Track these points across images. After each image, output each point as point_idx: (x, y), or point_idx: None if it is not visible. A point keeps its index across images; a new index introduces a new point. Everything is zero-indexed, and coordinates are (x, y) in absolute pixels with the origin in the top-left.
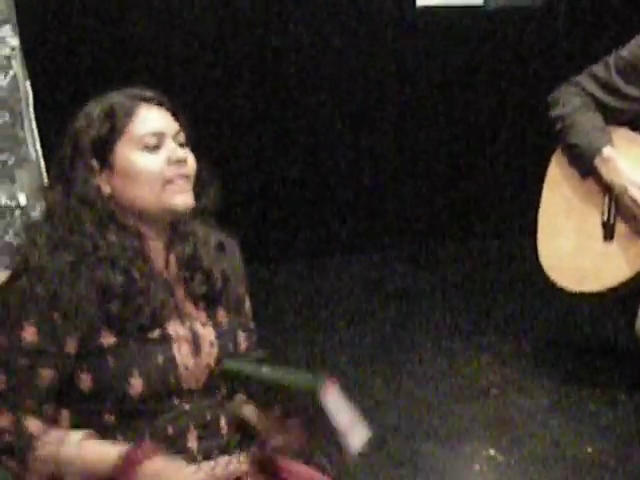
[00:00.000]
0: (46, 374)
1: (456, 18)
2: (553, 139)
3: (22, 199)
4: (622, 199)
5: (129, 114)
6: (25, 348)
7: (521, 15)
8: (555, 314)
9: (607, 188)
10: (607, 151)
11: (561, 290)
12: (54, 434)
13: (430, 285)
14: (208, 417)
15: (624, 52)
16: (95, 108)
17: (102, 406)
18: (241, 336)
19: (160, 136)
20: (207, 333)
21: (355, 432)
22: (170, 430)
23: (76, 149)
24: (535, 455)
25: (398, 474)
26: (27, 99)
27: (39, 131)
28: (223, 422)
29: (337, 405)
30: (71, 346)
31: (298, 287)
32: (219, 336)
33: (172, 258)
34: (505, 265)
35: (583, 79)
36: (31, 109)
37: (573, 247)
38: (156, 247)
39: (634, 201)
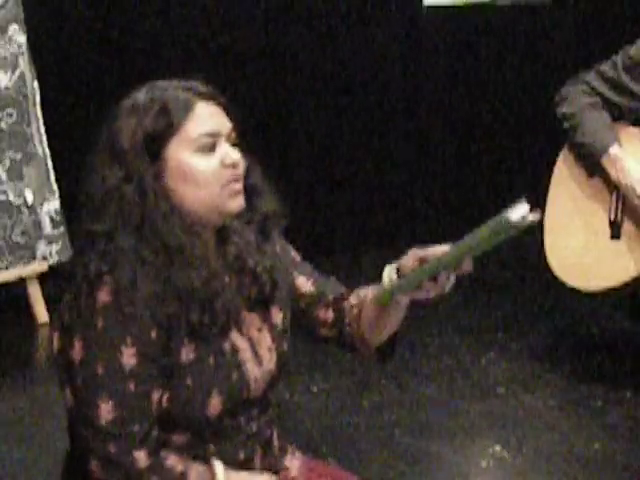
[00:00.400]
0: (155, 396)
1: (464, 16)
2: (561, 137)
3: (29, 196)
4: (630, 198)
5: (185, 111)
6: (130, 373)
7: (530, 12)
8: (562, 312)
9: (614, 187)
10: (614, 150)
11: (569, 288)
12: (184, 468)
13: None
14: (267, 434)
15: (631, 50)
16: (148, 100)
17: (174, 426)
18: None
19: (215, 137)
20: (263, 338)
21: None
22: (241, 455)
23: (133, 141)
24: (542, 452)
25: (405, 471)
26: (34, 97)
27: (46, 128)
28: (275, 436)
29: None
30: (184, 354)
31: None
32: (274, 339)
33: (220, 257)
34: (512, 263)
35: (591, 77)
36: (38, 107)
37: (580, 245)
38: (211, 248)
39: None
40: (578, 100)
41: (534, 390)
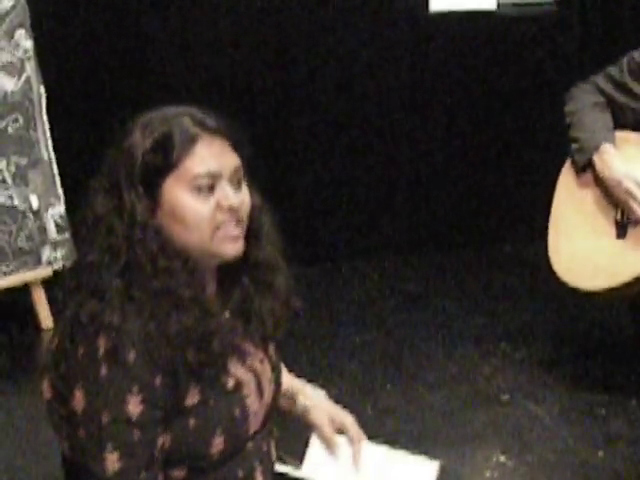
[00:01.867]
0: (160, 441)
1: (469, 23)
2: (565, 143)
3: (34, 202)
4: (616, 194)
5: (185, 147)
6: (136, 421)
7: (534, 20)
8: (566, 320)
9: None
10: (605, 148)
11: (572, 293)
12: None
13: (441, 290)
14: (264, 448)
15: (636, 54)
16: (155, 128)
17: (174, 464)
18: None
19: (215, 178)
20: (265, 370)
21: None
22: (240, 473)
23: (129, 172)
24: (545, 461)
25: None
26: (40, 102)
27: (51, 133)
28: (272, 448)
29: None
30: (190, 399)
31: (310, 291)
32: (273, 371)
33: (224, 303)
34: (516, 271)
35: (599, 79)
36: (44, 112)
37: (586, 247)
38: (211, 291)
39: (629, 193)
40: (583, 99)
41: (538, 398)
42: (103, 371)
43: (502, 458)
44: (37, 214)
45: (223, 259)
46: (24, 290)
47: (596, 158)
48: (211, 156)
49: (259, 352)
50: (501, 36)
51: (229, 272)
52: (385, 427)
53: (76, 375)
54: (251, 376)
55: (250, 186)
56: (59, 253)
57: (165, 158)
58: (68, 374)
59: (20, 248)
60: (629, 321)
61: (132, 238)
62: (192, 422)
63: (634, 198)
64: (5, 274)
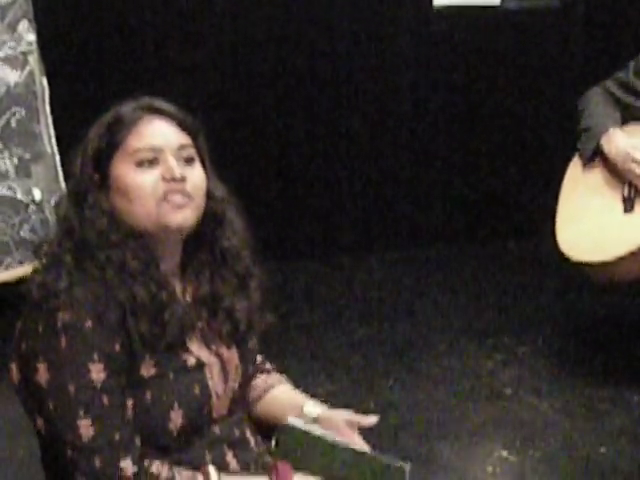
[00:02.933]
0: (129, 404)
1: (473, 18)
2: (572, 139)
3: (37, 194)
4: (626, 167)
5: (128, 127)
6: (102, 387)
7: (538, 15)
8: (569, 315)
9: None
10: (613, 131)
11: (577, 287)
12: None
13: (444, 285)
14: (237, 434)
15: None
16: (105, 118)
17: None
18: (259, 357)
19: (157, 151)
20: (232, 356)
21: None
22: (208, 457)
23: (82, 161)
24: (548, 456)
25: (410, 474)
26: (43, 95)
27: (54, 126)
28: (249, 434)
29: None
30: (145, 369)
31: (312, 286)
32: (242, 359)
33: (188, 288)
34: (519, 266)
35: (608, 82)
36: (47, 105)
37: (594, 224)
38: (169, 270)
39: (637, 162)
40: (592, 98)
41: (541, 393)
42: (64, 342)
43: (504, 453)
44: (40, 206)
45: (171, 229)
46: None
47: (604, 141)
48: (152, 132)
49: (226, 342)
50: (504, 31)
51: (195, 260)
52: (388, 421)
53: (38, 350)
54: (215, 360)
55: (212, 176)
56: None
57: (111, 140)
58: (30, 351)
59: (23, 240)
60: (634, 317)
61: (83, 218)
62: (149, 394)
63: None
64: (8, 267)
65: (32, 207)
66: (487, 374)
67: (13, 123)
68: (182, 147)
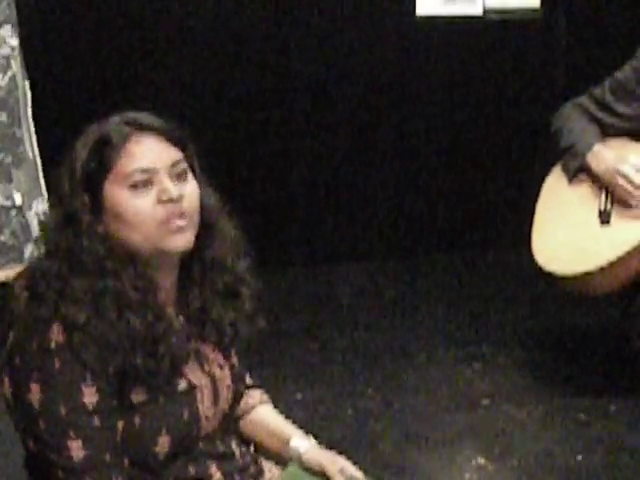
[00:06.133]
0: (119, 426)
1: (455, 28)
2: (550, 151)
3: (18, 199)
4: (613, 182)
5: (117, 148)
6: (93, 410)
7: (520, 26)
8: (548, 325)
9: (602, 183)
10: (598, 147)
11: (555, 297)
12: None
13: (423, 294)
14: (221, 448)
15: (618, 74)
16: (90, 136)
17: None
18: (247, 375)
19: (151, 172)
20: (224, 376)
21: None
22: (192, 471)
23: (71, 182)
24: (526, 464)
25: None
26: (25, 99)
27: (36, 131)
28: (234, 445)
29: None
30: (135, 395)
31: (292, 294)
32: (234, 379)
33: (182, 306)
34: (498, 276)
35: (582, 98)
36: (29, 109)
37: (570, 236)
38: (165, 292)
39: (625, 176)
40: (570, 115)
41: (519, 402)
42: (57, 364)
43: (482, 461)
44: (20, 211)
45: (171, 253)
46: (6, 286)
47: (590, 158)
48: (144, 152)
49: (218, 357)
50: (487, 41)
51: (188, 275)
52: (366, 430)
53: (31, 369)
54: (208, 381)
55: (203, 185)
56: (42, 250)
57: (101, 162)
58: (23, 368)
59: (4, 243)
60: (612, 327)
61: (80, 245)
62: (137, 419)
63: (630, 181)
64: None
65: (13, 211)
66: (465, 383)
67: None
68: (174, 164)
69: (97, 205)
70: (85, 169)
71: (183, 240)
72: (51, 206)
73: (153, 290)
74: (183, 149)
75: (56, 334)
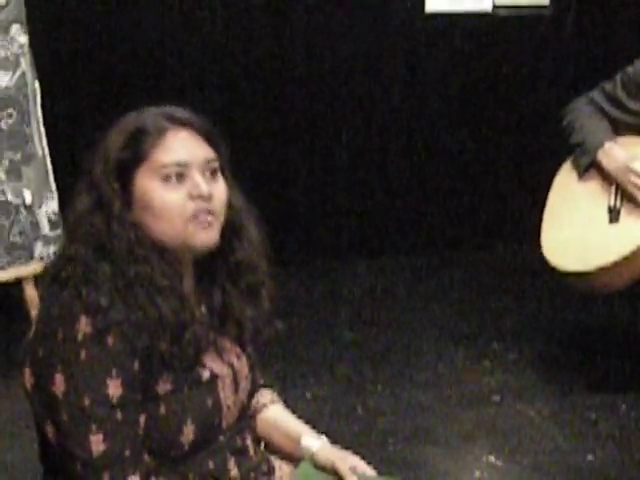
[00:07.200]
0: (141, 421)
1: (465, 24)
2: (561, 147)
3: (27, 196)
4: (624, 179)
5: (154, 139)
6: (117, 403)
7: (529, 22)
8: (558, 322)
9: (612, 180)
10: (609, 144)
11: (565, 294)
12: None
13: (433, 292)
14: (239, 442)
15: (630, 69)
16: (127, 126)
17: (148, 452)
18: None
19: (183, 166)
20: (242, 366)
21: None
22: (211, 465)
23: (104, 169)
24: (535, 463)
25: None
26: (35, 97)
27: (46, 129)
28: (249, 442)
29: None
30: (161, 386)
31: (300, 291)
32: (251, 370)
33: (201, 298)
34: (509, 272)
35: (594, 93)
36: (38, 107)
37: (579, 233)
38: (188, 283)
39: (636, 174)
40: (581, 110)
41: (529, 400)
42: (83, 355)
43: (492, 459)
44: (30, 209)
45: (197, 249)
46: (17, 285)
47: (601, 156)
48: (179, 146)
49: (236, 348)
50: (496, 38)
51: (209, 269)
52: (375, 427)
53: (56, 359)
54: (228, 371)
55: (232, 186)
56: (51, 249)
57: (135, 152)
58: (47, 359)
59: (13, 243)
60: (621, 325)
61: (111, 231)
62: (163, 409)
63: None
64: None
65: (22, 210)
66: (475, 380)
67: (4, 126)
68: (208, 161)
69: (127, 194)
70: (119, 157)
71: (209, 237)
72: (79, 192)
73: (179, 278)
74: (216, 148)
75: (84, 325)
